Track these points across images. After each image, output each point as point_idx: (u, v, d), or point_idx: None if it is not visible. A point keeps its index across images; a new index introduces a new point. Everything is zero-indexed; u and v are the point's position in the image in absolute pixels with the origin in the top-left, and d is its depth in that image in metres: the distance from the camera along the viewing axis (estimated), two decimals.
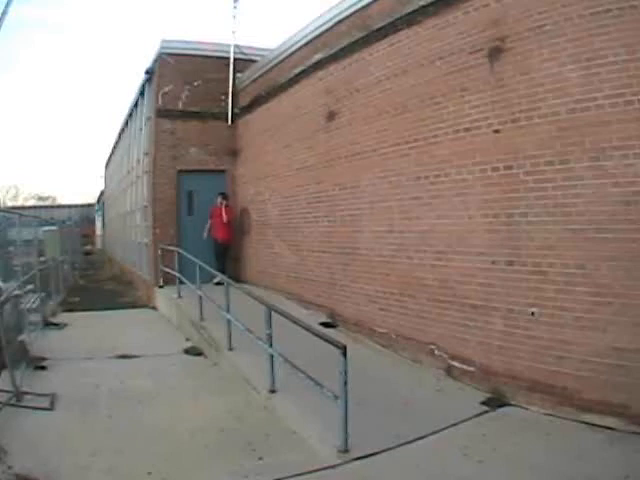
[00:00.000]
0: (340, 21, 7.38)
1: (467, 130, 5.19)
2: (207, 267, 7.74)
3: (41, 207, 35.75)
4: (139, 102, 13.56)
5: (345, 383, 3.73)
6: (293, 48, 8.80)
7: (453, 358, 5.29)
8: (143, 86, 12.56)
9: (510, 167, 4.73)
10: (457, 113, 5.30)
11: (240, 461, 3.89)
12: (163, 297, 10.12)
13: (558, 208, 4.31)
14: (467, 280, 5.17)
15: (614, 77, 3.94)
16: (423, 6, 5.74)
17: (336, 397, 3.81)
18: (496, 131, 4.88)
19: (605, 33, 3.99)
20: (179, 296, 9.09)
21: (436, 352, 5.51)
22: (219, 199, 10.70)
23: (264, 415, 4.79)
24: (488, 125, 4.96)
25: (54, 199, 45.02)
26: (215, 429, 4.52)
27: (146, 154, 12.01)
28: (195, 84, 10.95)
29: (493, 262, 4.90)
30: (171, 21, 75.15)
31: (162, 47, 10.81)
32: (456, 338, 5.26)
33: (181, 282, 9.03)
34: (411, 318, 5.92)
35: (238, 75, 11.04)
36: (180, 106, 10.88)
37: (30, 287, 8.27)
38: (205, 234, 10.67)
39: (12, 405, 4.85)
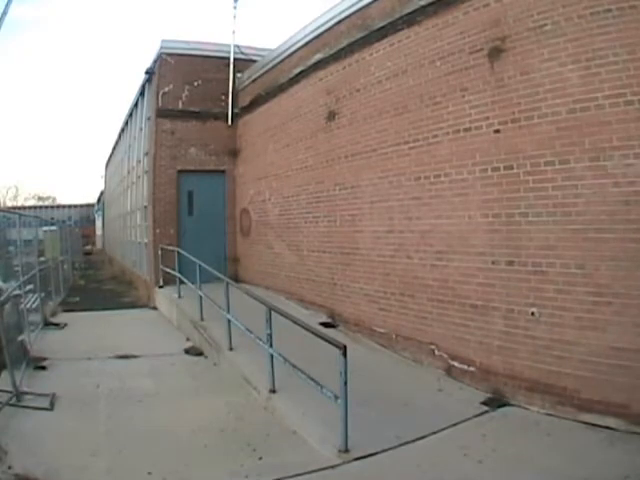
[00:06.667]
0: (340, 21, 7.38)
1: (467, 130, 5.19)
2: (207, 267, 7.73)
3: (41, 207, 35.76)
4: (139, 102, 13.58)
5: (345, 383, 3.73)
6: (293, 48, 8.80)
7: (453, 358, 5.29)
8: (143, 86, 12.57)
9: (510, 167, 4.73)
10: (457, 113, 5.31)
11: (240, 461, 3.89)
12: (163, 297, 10.12)
13: (558, 208, 4.31)
14: (467, 280, 5.17)
15: (614, 77, 3.94)
16: (423, 6, 5.74)
17: (336, 397, 3.81)
18: (496, 131, 4.88)
19: (605, 33, 3.99)
20: (179, 296, 9.09)
21: (436, 352, 5.51)
22: None
23: (264, 415, 4.79)
24: (488, 125, 4.96)
25: (54, 199, 45.08)
26: (215, 429, 4.52)
27: (146, 154, 12.02)
28: (195, 84, 10.96)
29: (493, 262, 4.90)
30: (171, 21, 75.32)
31: (162, 47, 10.82)
32: (456, 338, 5.26)
33: (181, 282, 9.03)
34: (411, 318, 5.92)
35: (238, 75, 11.04)
36: (180, 106, 10.88)
37: (30, 287, 8.27)
38: None
39: (12, 405, 4.84)
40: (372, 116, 6.65)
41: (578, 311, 4.15)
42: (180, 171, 10.90)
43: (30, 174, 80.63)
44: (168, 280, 9.99)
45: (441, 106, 5.51)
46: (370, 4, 6.71)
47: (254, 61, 10.71)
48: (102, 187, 29.79)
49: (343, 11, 7.27)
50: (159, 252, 10.28)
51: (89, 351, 7.09)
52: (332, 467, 3.67)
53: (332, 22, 7.57)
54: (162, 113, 10.83)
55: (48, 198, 45.27)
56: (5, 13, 7.75)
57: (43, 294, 9.18)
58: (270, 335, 4.90)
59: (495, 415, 4.39)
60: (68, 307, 10.93)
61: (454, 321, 5.30)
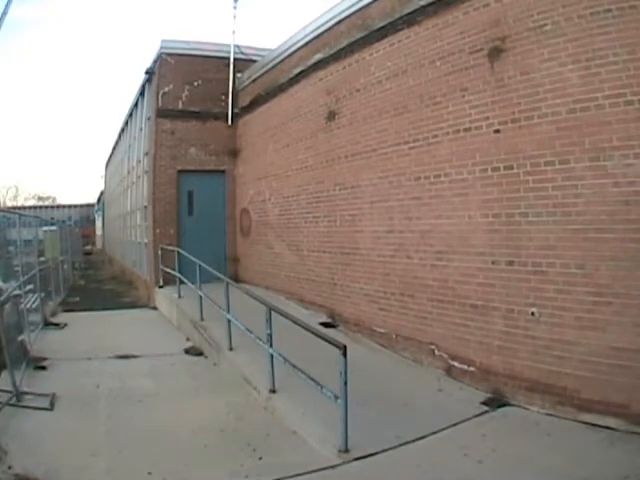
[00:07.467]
0: (340, 21, 7.38)
1: (467, 130, 5.19)
2: (207, 267, 7.73)
3: (41, 207, 35.77)
4: (139, 102, 13.58)
5: (345, 383, 3.73)
6: (293, 48, 8.80)
7: (453, 358, 5.29)
8: (143, 86, 12.57)
9: (510, 167, 4.73)
10: (457, 113, 5.30)
11: (240, 461, 3.89)
12: (163, 297, 10.12)
13: (558, 208, 4.31)
14: (467, 280, 5.17)
15: (614, 77, 3.94)
16: (423, 6, 5.74)
17: (336, 397, 3.81)
18: (496, 131, 4.88)
19: (605, 33, 3.99)
20: (179, 296, 9.09)
21: (436, 352, 5.51)
22: None
23: (264, 415, 4.79)
24: (488, 125, 4.96)
25: (54, 199, 45.08)
26: (215, 429, 4.52)
27: (146, 154, 12.02)
28: (195, 84, 10.96)
29: (493, 262, 4.90)
30: (171, 21, 75.37)
31: (162, 47, 10.82)
32: (456, 338, 5.26)
33: (181, 282, 9.03)
34: (411, 318, 5.91)
35: (238, 75, 11.04)
36: (180, 106, 10.88)
37: (30, 287, 8.27)
38: None
39: (12, 405, 4.84)
40: (372, 116, 6.65)
41: (578, 311, 4.15)
42: (180, 171, 10.90)
43: (30, 174, 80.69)
44: (168, 280, 9.99)
45: (441, 106, 5.51)
46: (370, 4, 6.71)
47: (254, 61, 10.71)
48: (102, 187, 29.81)
49: (343, 11, 7.27)
50: (159, 252, 10.28)
51: (89, 351, 7.09)
52: (332, 467, 3.67)
53: (332, 22, 7.57)
54: (162, 113, 10.83)
55: (48, 198, 45.33)
56: (5, 13, 7.77)
57: (43, 294, 9.18)
58: (270, 335, 4.90)
59: (495, 415, 4.39)
60: (68, 307, 10.93)
61: (454, 321, 5.30)
